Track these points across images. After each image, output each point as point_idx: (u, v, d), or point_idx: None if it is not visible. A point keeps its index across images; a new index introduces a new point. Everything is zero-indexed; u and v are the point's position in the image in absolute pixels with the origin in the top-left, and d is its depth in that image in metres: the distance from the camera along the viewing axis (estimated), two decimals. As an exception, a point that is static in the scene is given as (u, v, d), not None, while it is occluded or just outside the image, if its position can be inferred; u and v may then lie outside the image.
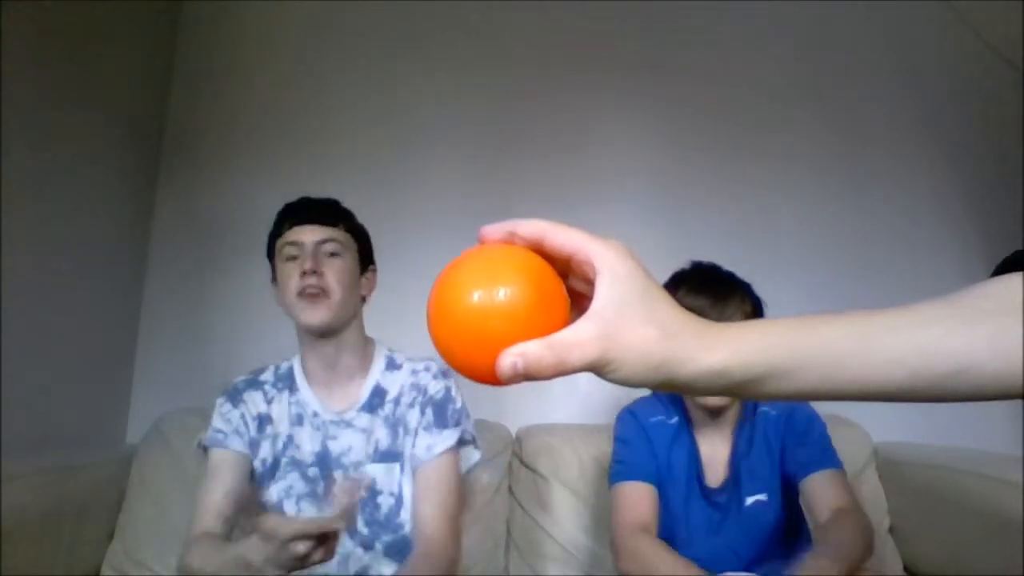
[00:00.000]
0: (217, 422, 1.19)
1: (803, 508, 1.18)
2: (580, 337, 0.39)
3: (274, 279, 1.21)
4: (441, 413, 1.19)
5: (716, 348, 0.40)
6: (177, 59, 1.99)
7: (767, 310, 1.20)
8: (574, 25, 2.01)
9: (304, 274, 1.12)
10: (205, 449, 1.19)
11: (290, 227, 1.17)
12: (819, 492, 1.13)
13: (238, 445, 1.17)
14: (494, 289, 0.39)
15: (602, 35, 2.00)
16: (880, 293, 1.86)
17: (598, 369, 0.40)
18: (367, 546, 1.14)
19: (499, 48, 2.00)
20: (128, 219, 1.82)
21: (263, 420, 1.20)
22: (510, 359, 0.38)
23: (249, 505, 1.04)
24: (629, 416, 1.27)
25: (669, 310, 0.41)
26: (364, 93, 1.98)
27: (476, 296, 0.39)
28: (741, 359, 0.40)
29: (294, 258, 1.15)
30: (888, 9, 2.00)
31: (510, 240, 0.42)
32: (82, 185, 1.61)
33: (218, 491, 1.13)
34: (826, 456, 1.18)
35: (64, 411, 1.57)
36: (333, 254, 1.16)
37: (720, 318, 1.08)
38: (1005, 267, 0.43)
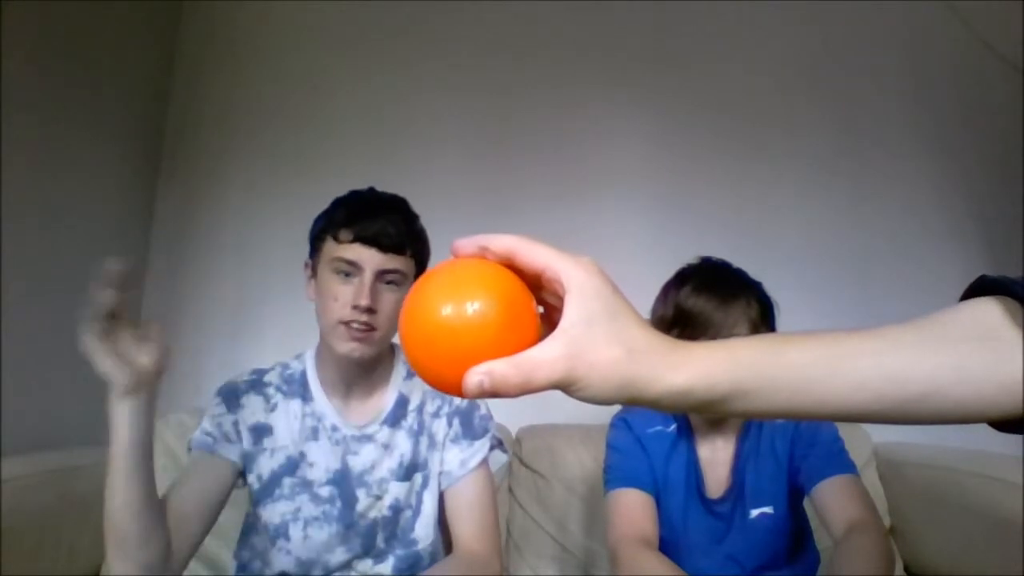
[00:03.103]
0: (207, 424, 1.06)
1: (818, 517, 1.09)
2: (546, 356, 0.39)
3: (312, 271, 1.08)
4: (468, 423, 1.13)
5: (680, 368, 0.41)
6: (177, 59, 1.99)
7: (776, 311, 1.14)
8: (577, 22, 2.01)
9: (356, 307, 0.99)
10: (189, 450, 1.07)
11: (352, 241, 1.01)
12: (831, 501, 1.04)
13: (227, 452, 1.04)
14: (463, 304, 0.40)
15: (605, 32, 2.01)
16: (880, 290, 1.87)
17: (564, 387, 0.40)
18: (379, 559, 1.09)
19: (501, 45, 2.01)
20: (128, 219, 1.82)
21: (260, 431, 1.07)
22: (477, 377, 0.39)
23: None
24: (623, 424, 1.21)
25: (636, 329, 0.41)
26: (364, 92, 1.98)
27: (445, 310, 0.40)
28: (705, 380, 0.41)
29: (346, 275, 1.02)
30: (888, 9, 2.00)
31: (482, 255, 0.43)
32: (82, 185, 1.61)
33: (185, 490, 0.98)
34: (837, 461, 1.09)
35: (64, 411, 1.57)
36: (391, 282, 1.03)
37: (724, 322, 1.05)
38: (971, 293, 0.44)
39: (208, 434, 1.05)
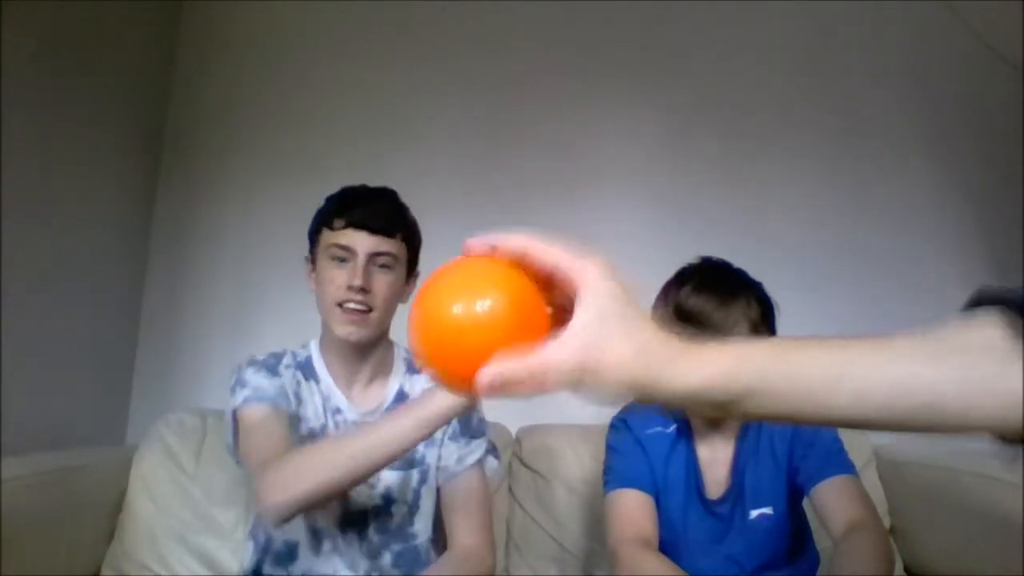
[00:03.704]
0: (255, 381, 1.08)
1: (818, 518, 1.09)
2: (558, 356, 0.40)
3: (312, 264, 1.15)
4: (467, 422, 1.16)
5: (690, 370, 0.41)
6: (177, 59, 1.99)
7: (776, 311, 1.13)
8: (576, 21, 2.01)
9: (350, 288, 1.06)
10: (239, 412, 1.07)
11: (344, 227, 1.08)
12: (831, 501, 1.04)
13: (286, 406, 1.07)
14: (473, 302, 0.40)
15: (604, 31, 2.00)
16: (881, 290, 1.87)
17: (576, 388, 0.40)
18: (375, 555, 1.10)
19: (500, 45, 2.00)
20: (128, 219, 1.82)
21: (297, 399, 1.12)
22: (488, 377, 0.39)
23: None
24: (622, 425, 1.20)
25: (646, 330, 0.41)
26: (365, 94, 1.98)
27: (455, 308, 0.40)
28: (714, 381, 0.41)
29: (342, 260, 1.08)
30: (888, 9, 2.00)
31: (493, 253, 0.43)
32: (82, 185, 1.61)
33: (276, 435, 1.01)
34: (836, 461, 1.09)
35: (64, 411, 1.57)
36: (384, 266, 1.09)
37: (724, 322, 1.05)
38: (972, 304, 0.45)
39: (260, 389, 1.07)
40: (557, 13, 2.00)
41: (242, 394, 1.08)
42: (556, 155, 1.95)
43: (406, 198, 1.18)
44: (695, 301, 1.07)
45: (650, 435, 1.18)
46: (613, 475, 1.17)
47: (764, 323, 1.10)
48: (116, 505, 1.47)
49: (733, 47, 2.00)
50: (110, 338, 1.75)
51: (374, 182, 1.18)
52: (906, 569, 1.49)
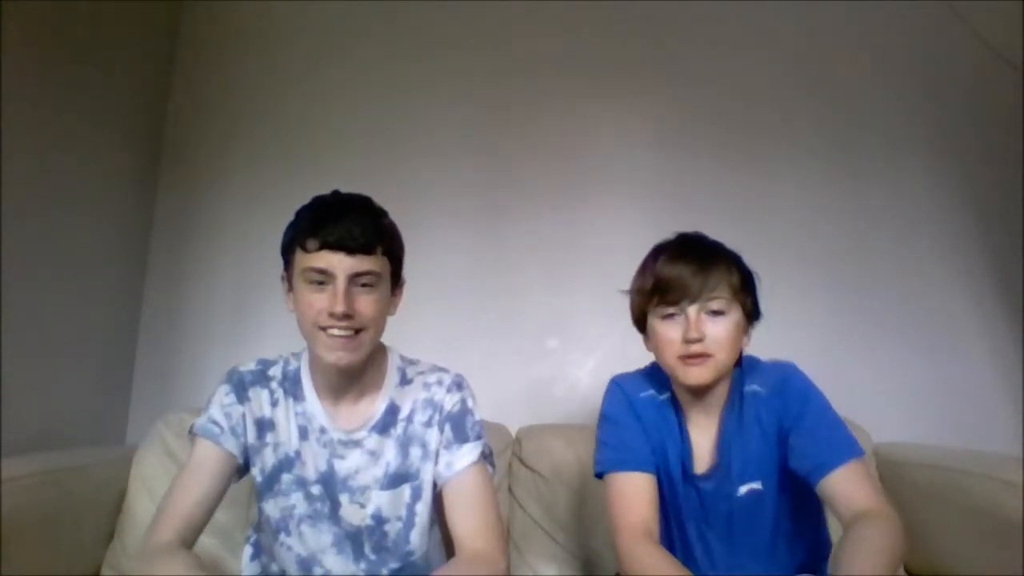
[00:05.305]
0: (216, 413, 1.06)
1: (829, 509, 1.03)
2: None
3: (288, 283, 1.09)
4: (460, 428, 1.11)
5: None
6: (177, 59, 1.99)
7: (761, 287, 1.12)
8: (574, 21, 2.01)
9: (332, 315, 0.98)
10: (193, 436, 1.07)
11: (319, 248, 0.99)
12: (838, 493, 0.98)
13: (231, 446, 1.05)
14: None
15: (603, 33, 2.00)
16: (881, 289, 1.87)
17: None
18: (372, 573, 1.08)
19: (499, 47, 2.00)
20: (128, 219, 1.82)
21: (264, 425, 1.08)
22: None
23: None
24: (617, 390, 1.16)
25: None
26: (365, 93, 1.98)
27: None
28: None
29: (319, 283, 1.00)
30: (888, 9, 2.00)
31: None
32: (82, 185, 1.61)
33: (195, 492, 1.01)
34: (839, 447, 1.01)
35: (64, 411, 1.57)
36: (367, 284, 1.01)
37: (703, 288, 1.03)
38: None
39: (216, 423, 1.06)
40: (556, 13, 2.00)
41: (202, 418, 1.07)
42: (555, 155, 1.95)
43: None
44: (671, 269, 1.05)
45: (644, 398, 1.15)
46: (608, 452, 1.13)
47: (745, 290, 1.08)
48: (116, 505, 1.47)
49: (733, 47, 2.00)
50: (110, 338, 1.76)
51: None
52: (906, 569, 1.49)
